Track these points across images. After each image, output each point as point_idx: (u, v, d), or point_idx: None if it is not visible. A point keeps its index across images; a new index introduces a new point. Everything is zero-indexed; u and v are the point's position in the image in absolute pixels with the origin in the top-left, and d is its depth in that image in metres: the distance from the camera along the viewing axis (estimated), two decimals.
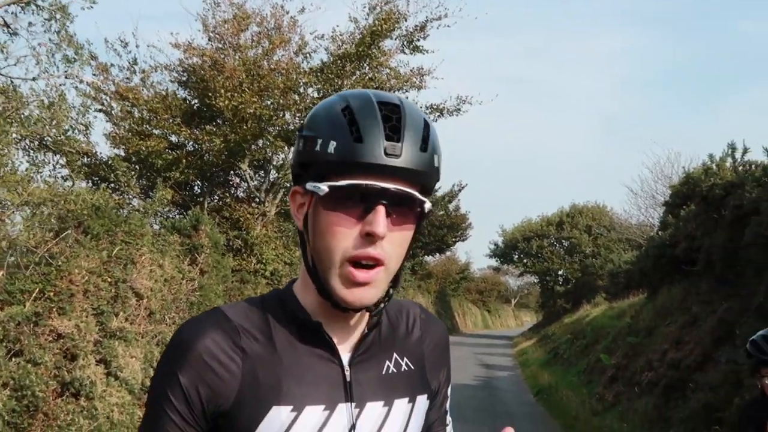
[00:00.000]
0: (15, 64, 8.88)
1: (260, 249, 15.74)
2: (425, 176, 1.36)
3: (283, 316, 1.43)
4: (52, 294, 7.96)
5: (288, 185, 18.07)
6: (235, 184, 18.68)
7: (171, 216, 15.49)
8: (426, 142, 1.35)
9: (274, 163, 18.11)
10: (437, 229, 35.06)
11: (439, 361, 1.59)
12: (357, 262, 1.33)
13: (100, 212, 9.48)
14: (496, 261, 49.19)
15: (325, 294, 1.37)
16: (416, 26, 17.35)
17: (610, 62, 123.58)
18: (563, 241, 43.12)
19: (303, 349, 1.40)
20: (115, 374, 8.29)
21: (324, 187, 1.32)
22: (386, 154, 1.29)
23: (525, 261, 45.11)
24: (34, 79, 9.09)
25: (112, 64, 16.95)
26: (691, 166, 17.91)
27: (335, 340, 1.41)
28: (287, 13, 17.31)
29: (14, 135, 8.90)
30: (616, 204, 73.93)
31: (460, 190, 34.94)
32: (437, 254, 41.92)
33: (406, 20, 17.09)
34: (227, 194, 17.92)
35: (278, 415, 1.33)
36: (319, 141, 1.33)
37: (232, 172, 18.10)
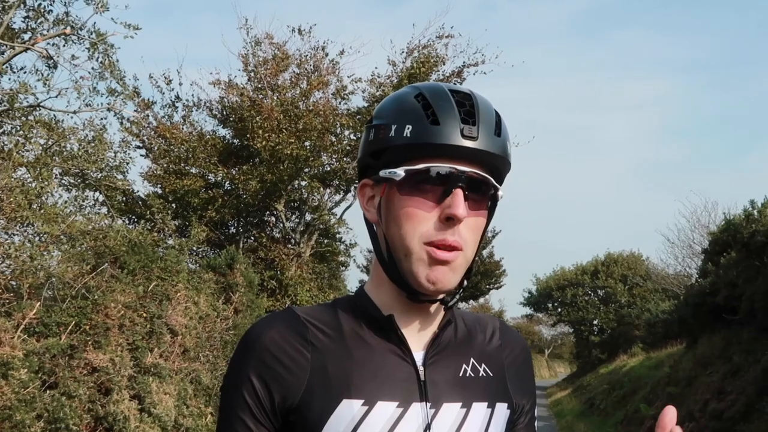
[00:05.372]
0: (57, 96, 8.96)
1: (294, 290, 15.70)
2: (500, 161, 1.35)
3: (354, 314, 1.41)
4: (87, 327, 7.96)
5: (322, 227, 18.08)
6: (270, 225, 18.70)
7: (206, 255, 15.51)
8: (499, 127, 1.35)
9: (310, 204, 18.13)
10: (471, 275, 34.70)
11: (520, 374, 1.52)
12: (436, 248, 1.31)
13: (137, 248, 9.51)
14: (530, 309, 48.64)
15: (402, 282, 1.35)
16: (453, 71, 17.39)
17: (644, 110, 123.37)
18: (598, 290, 42.45)
19: (374, 344, 1.37)
20: (148, 410, 8.24)
21: (400, 172, 1.32)
22: (463, 135, 1.29)
23: (559, 310, 44.54)
24: (75, 112, 9.17)
25: (154, 102, 17.22)
26: (729, 214, 17.64)
27: (408, 339, 1.37)
28: (326, 55, 17.50)
29: (56, 170, 8.98)
30: (652, 253, 72.89)
31: (494, 236, 34.71)
32: (471, 301, 41.50)
33: (444, 63, 17.17)
34: (263, 234, 17.91)
35: (349, 408, 1.29)
36: (394, 127, 1.33)
37: (267, 212, 18.14)
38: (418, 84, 1.41)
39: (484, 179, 1.32)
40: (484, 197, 1.35)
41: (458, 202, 1.28)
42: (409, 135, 1.30)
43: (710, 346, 14.45)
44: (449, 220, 1.29)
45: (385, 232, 1.37)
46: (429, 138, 1.29)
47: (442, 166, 1.29)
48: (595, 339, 41.10)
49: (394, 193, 1.34)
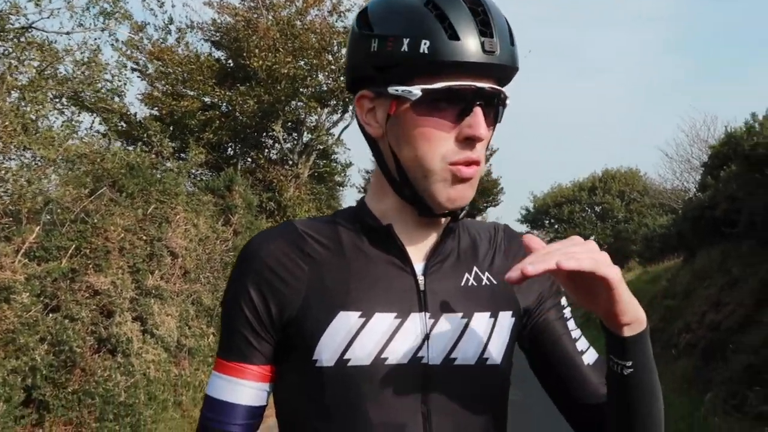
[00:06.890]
0: (49, 17, 8.75)
1: (293, 211, 15.71)
2: (514, 72, 1.29)
3: (354, 225, 1.37)
4: (88, 251, 7.96)
5: (321, 147, 17.97)
6: (268, 146, 18.61)
7: (204, 178, 15.46)
8: (512, 35, 1.27)
9: (308, 124, 17.99)
10: None
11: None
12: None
13: (135, 171, 9.45)
14: (527, 227, 48.83)
15: (416, 201, 1.31)
16: None
17: (641, 25, 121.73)
18: (595, 206, 42.50)
19: (373, 255, 1.33)
20: (150, 332, 8.31)
21: (416, 91, 1.23)
22: (485, 51, 1.21)
23: (556, 227, 44.68)
24: (68, 33, 8.99)
25: (147, 23, 16.91)
26: (730, 128, 17.51)
27: (408, 249, 1.34)
28: None
29: (51, 93, 8.84)
30: (650, 169, 72.29)
31: (491, 155, 34.63)
32: (468, 219, 41.64)
33: None
34: (260, 156, 17.83)
35: (346, 320, 1.26)
36: (406, 41, 1.21)
37: (265, 133, 18.02)
38: None
39: (499, 93, 1.27)
40: (494, 109, 1.29)
41: (479, 121, 1.23)
42: (426, 51, 1.20)
43: (708, 260, 14.49)
44: (469, 140, 1.24)
45: (396, 151, 1.30)
46: (450, 56, 1.20)
47: (463, 85, 1.22)
48: None
49: (407, 112, 1.26)
